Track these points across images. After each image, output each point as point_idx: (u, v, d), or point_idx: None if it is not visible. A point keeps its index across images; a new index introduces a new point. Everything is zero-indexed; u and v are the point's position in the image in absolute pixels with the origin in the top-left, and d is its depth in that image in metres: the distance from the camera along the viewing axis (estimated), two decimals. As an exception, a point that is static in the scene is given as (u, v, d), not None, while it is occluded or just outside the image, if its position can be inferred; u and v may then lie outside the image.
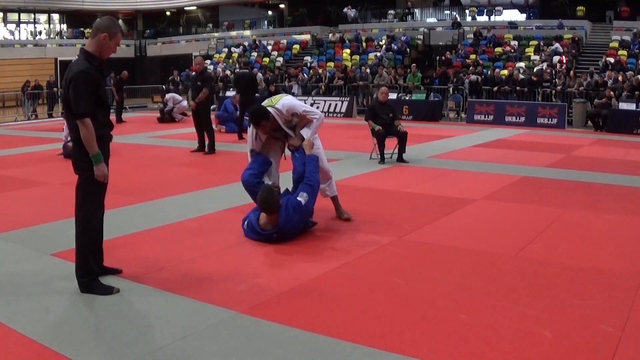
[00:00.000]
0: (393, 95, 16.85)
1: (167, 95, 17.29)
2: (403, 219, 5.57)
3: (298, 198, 4.79)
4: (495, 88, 17.31)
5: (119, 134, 13.36)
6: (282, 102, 5.20)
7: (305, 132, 5.24)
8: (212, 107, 11.73)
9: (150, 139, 12.52)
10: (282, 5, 34.15)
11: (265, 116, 5.09)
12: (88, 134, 3.52)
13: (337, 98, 18.58)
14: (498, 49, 21.27)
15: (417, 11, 28.48)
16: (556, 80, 17.13)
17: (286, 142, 5.36)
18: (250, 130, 5.29)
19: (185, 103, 16.76)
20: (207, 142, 10.10)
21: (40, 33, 33.49)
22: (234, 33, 31.11)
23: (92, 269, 3.72)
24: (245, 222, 4.94)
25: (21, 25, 33.08)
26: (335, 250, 4.66)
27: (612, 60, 18.49)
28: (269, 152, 5.31)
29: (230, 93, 19.06)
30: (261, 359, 2.89)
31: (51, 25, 34.74)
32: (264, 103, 5.29)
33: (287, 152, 5.46)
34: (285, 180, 5.45)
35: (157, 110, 17.81)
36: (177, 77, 21.31)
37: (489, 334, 3.14)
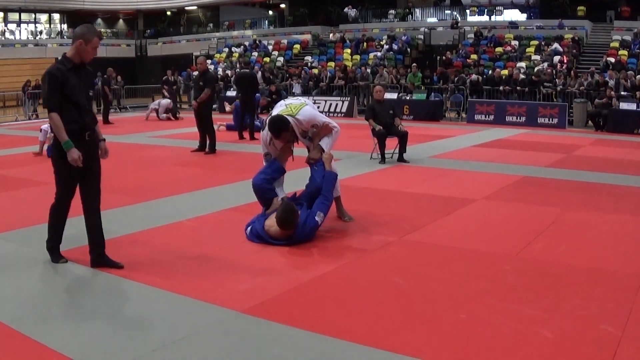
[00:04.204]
0: (394, 95, 16.87)
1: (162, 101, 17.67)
2: (403, 219, 5.57)
3: (316, 218, 4.77)
4: (501, 87, 17.24)
5: (119, 133, 13.40)
6: (303, 113, 5.06)
7: (325, 144, 5.14)
8: (213, 107, 11.78)
9: (151, 138, 12.52)
10: (282, 5, 34.16)
11: (286, 127, 4.98)
12: (54, 125, 3.99)
13: (338, 98, 18.59)
14: (499, 49, 21.28)
15: (417, 11, 28.50)
16: (557, 80, 17.12)
17: (296, 143, 5.28)
18: (265, 134, 5.15)
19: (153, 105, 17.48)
20: (207, 142, 10.10)
21: (40, 33, 33.52)
22: (234, 33, 31.14)
23: (53, 239, 4.25)
24: (249, 228, 4.90)
25: (22, 25, 33.11)
26: (335, 250, 4.66)
27: (612, 60, 18.49)
28: (283, 159, 5.23)
29: (231, 93, 19.12)
30: (261, 359, 2.89)
31: (52, 25, 34.77)
32: (282, 111, 5.12)
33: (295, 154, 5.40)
34: (288, 180, 5.43)
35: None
36: (172, 77, 21.29)
37: (489, 334, 3.14)
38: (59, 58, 4.11)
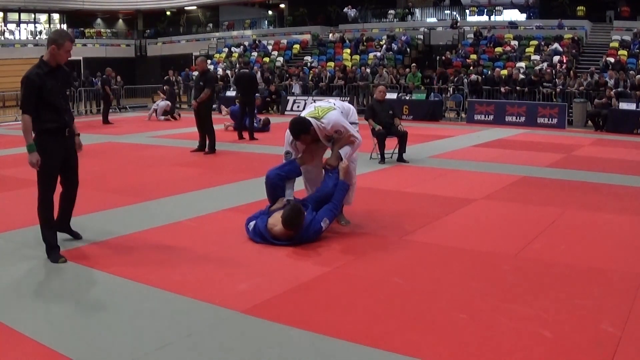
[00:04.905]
0: (393, 95, 16.86)
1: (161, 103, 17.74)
2: (403, 219, 5.57)
3: (322, 224, 4.78)
4: (503, 89, 17.19)
5: (119, 133, 13.41)
6: (329, 118, 4.97)
7: (344, 153, 5.06)
8: (213, 107, 11.78)
9: (151, 138, 12.51)
10: (282, 5, 34.14)
11: (306, 129, 4.94)
12: (24, 127, 4.25)
13: (337, 98, 18.58)
14: (498, 49, 21.26)
15: (417, 11, 28.49)
16: (556, 80, 17.13)
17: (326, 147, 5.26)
18: (288, 133, 5.11)
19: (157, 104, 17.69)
20: (207, 142, 10.10)
21: (40, 33, 33.46)
22: (234, 33, 31.11)
23: (47, 238, 4.30)
24: (251, 224, 4.90)
25: (21, 25, 33.08)
26: (335, 250, 4.66)
27: (612, 60, 18.49)
28: (304, 163, 5.18)
29: (231, 93, 19.13)
30: (261, 359, 2.89)
31: (51, 25, 34.69)
32: (309, 113, 5.08)
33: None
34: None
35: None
36: (173, 77, 21.35)
37: (489, 334, 3.14)
38: (37, 61, 4.37)
